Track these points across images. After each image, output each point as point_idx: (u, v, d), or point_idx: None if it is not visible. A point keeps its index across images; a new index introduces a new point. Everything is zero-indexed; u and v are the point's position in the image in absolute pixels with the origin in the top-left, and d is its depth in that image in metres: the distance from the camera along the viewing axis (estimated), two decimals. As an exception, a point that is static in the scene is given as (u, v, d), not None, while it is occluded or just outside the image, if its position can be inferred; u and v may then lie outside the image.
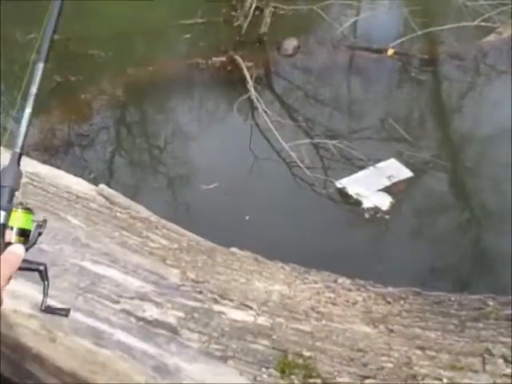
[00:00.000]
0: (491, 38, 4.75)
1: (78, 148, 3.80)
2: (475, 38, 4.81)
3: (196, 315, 1.68)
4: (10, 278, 0.69)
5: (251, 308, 1.70)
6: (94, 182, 2.50)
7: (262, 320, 1.67)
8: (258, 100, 3.91)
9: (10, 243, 0.73)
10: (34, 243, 0.75)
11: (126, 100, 4.30)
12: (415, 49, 4.68)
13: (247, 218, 3.12)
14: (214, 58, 4.59)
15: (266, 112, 3.81)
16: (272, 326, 1.65)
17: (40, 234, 0.76)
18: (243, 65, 4.34)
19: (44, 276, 0.77)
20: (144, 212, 2.18)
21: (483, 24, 4.59)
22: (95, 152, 3.80)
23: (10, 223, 0.73)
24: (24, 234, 0.75)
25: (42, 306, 0.77)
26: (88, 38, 4.51)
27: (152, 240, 1.97)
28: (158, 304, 1.71)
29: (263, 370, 1.54)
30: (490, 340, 1.57)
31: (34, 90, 0.77)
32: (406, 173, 3.43)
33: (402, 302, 1.76)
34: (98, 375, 1.62)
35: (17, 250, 0.72)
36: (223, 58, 4.58)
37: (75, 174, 2.41)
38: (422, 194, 3.40)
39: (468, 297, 1.75)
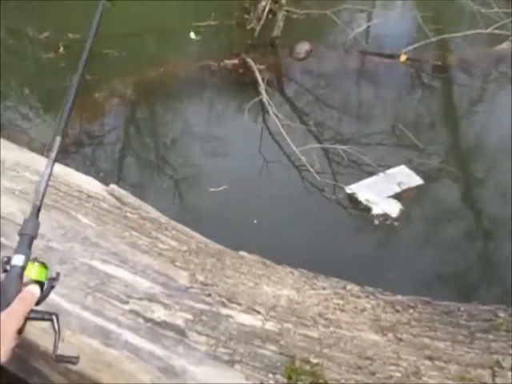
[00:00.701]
0: (504, 45, 4.71)
1: (90, 147, 3.82)
2: (488, 45, 4.78)
3: (204, 318, 1.67)
4: (25, 317, 0.77)
5: (259, 312, 1.70)
6: (104, 181, 2.51)
7: (270, 325, 1.66)
8: (269, 103, 3.91)
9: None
10: (47, 295, 0.80)
11: (137, 100, 4.32)
12: (428, 55, 4.66)
13: (255, 221, 3.12)
14: (226, 61, 4.59)
15: (276, 115, 3.80)
16: (280, 332, 1.64)
17: (53, 287, 0.81)
18: (255, 68, 4.34)
19: (55, 326, 0.81)
20: (154, 213, 2.18)
21: (497, 32, 4.56)
22: (106, 152, 3.82)
23: (26, 273, 0.79)
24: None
25: (53, 355, 0.81)
26: (103, 38, 4.54)
27: (161, 241, 1.98)
28: (166, 306, 1.71)
29: (270, 375, 1.53)
30: (500, 352, 1.55)
31: (52, 155, 0.91)
32: (416, 180, 3.41)
33: (411, 310, 1.74)
34: (102, 373, 1.62)
35: (33, 290, 0.79)
36: (235, 61, 4.59)
37: (86, 173, 2.42)
38: (432, 201, 3.38)
39: (478, 307, 1.73)
